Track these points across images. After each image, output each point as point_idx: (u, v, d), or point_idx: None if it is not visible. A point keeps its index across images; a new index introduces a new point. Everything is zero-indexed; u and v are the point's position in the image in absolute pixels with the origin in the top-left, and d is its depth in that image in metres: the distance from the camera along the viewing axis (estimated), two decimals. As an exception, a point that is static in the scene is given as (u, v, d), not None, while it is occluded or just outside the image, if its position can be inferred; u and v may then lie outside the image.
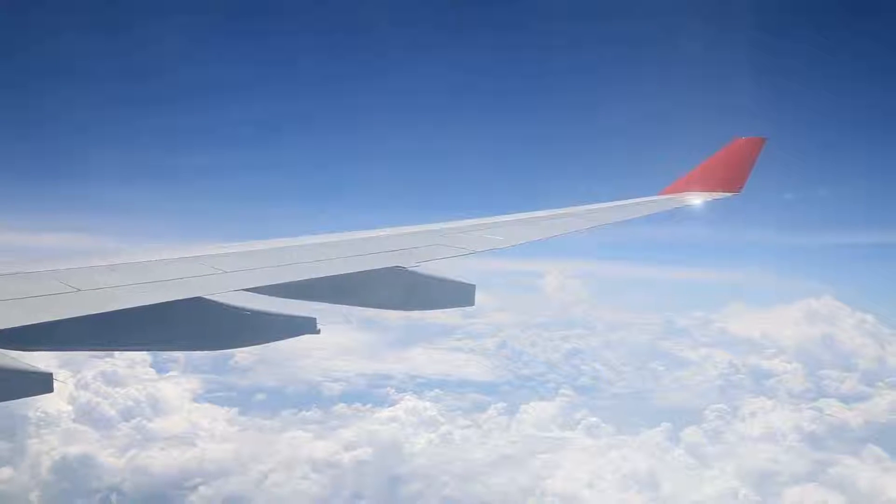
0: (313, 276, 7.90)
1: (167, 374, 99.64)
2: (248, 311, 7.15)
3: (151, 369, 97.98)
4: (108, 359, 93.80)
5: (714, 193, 15.72)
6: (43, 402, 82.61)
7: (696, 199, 15.43)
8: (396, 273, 8.32)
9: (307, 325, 7.38)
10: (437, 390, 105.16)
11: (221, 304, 7.06)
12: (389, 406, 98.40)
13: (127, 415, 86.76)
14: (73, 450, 78.06)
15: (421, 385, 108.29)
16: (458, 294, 8.47)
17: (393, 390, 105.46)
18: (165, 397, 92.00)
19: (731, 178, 15.89)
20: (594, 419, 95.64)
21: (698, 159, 16.52)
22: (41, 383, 5.77)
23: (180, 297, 6.82)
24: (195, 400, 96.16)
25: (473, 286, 8.45)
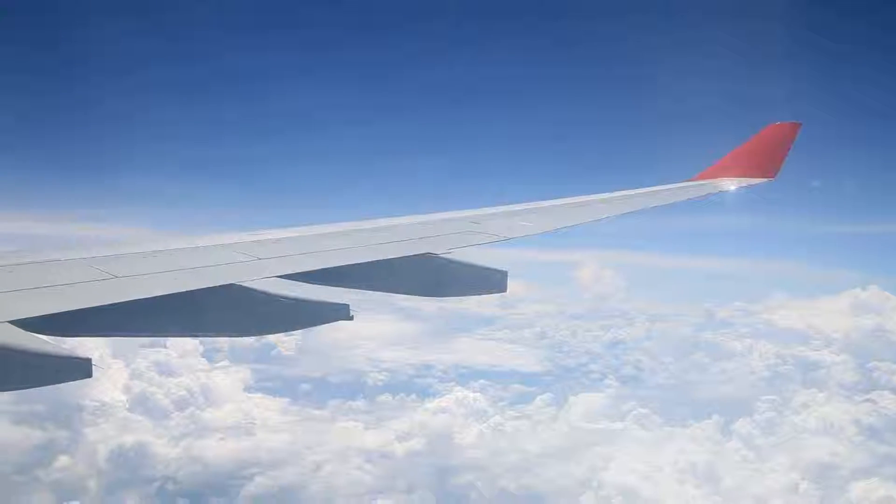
0: (346, 262, 7.97)
1: (218, 364, 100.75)
2: (281, 297, 7.20)
3: (203, 359, 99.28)
4: (160, 348, 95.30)
5: (748, 179, 15.52)
6: (98, 391, 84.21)
7: (731, 185, 15.25)
8: (428, 260, 8.38)
9: (341, 312, 7.37)
10: (481, 381, 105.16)
11: (255, 291, 7.12)
12: (434, 397, 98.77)
13: (180, 404, 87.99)
14: (129, 439, 79.34)
15: (464, 376, 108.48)
16: (490, 280, 8.43)
17: (437, 381, 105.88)
18: (217, 387, 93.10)
19: (766, 164, 15.68)
20: (644, 411, 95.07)
21: (732, 145, 16.38)
22: (81, 368, 5.84)
23: (215, 284, 6.94)
24: (246, 390, 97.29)
25: (505, 272, 8.40)
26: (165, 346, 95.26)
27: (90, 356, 5.78)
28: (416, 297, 8.60)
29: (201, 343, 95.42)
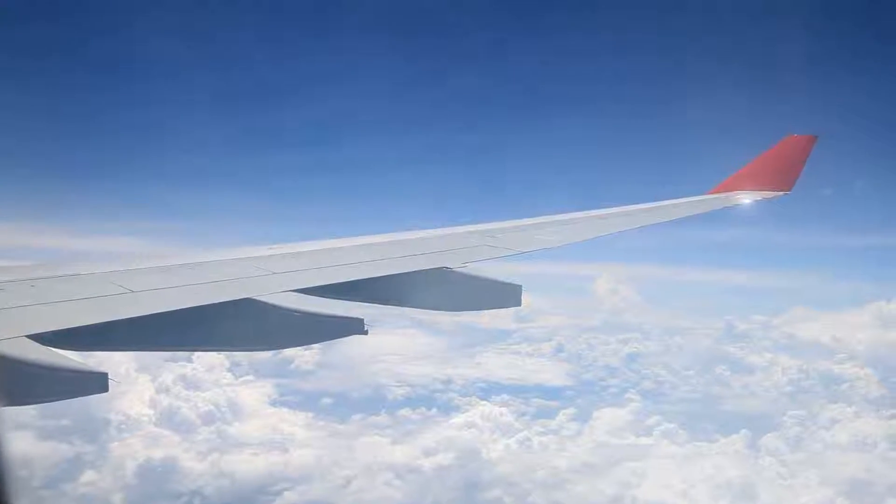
0: (361, 276, 8.04)
1: (243, 379, 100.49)
2: (296, 312, 7.24)
3: (229, 373, 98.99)
4: (185, 363, 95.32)
5: (764, 192, 15.58)
6: (124, 405, 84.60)
7: (746, 198, 15.32)
8: (443, 274, 8.42)
9: (355, 326, 7.38)
10: (503, 395, 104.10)
11: (270, 305, 7.16)
12: (456, 411, 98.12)
13: (207, 419, 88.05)
14: (156, 453, 79.41)
15: (484, 390, 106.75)
16: (505, 294, 8.46)
17: (457, 395, 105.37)
18: (243, 401, 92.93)
19: (782, 177, 15.74)
20: (671, 425, 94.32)
21: (748, 158, 16.41)
22: (96, 383, 5.89)
23: (231, 298, 7.00)
24: (271, 404, 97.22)
25: (520, 286, 8.43)
26: (191, 361, 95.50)
27: (106, 371, 5.85)
28: (432, 311, 8.65)
29: (227, 357, 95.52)
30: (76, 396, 6.05)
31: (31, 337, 5.68)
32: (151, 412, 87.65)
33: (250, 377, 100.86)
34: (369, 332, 7.41)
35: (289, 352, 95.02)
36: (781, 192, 15.73)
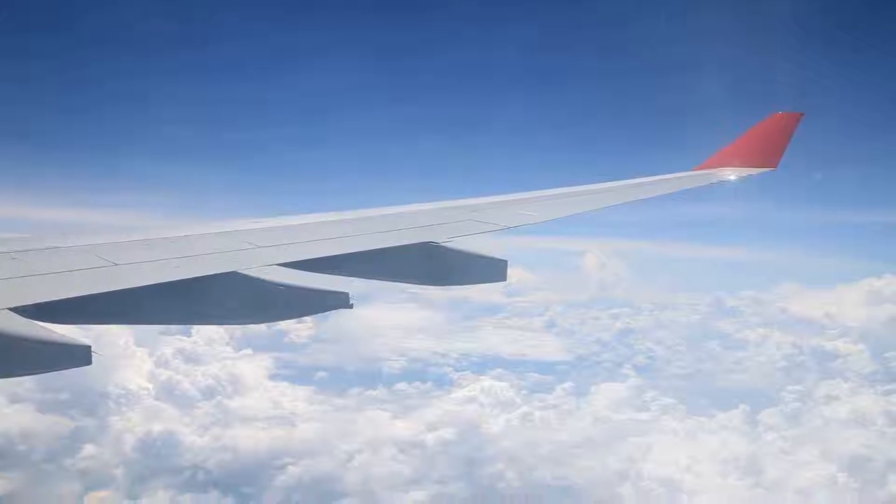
0: (346, 251, 8.05)
1: (242, 352, 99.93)
2: (282, 286, 7.24)
3: (228, 347, 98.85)
4: (183, 336, 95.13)
5: (750, 169, 15.61)
6: (123, 379, 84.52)
7: (732, 175, 15.36)
8: (429, 248, 8.44)
9: (340, 300, 7.39)
10: (498, 370, 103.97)
11: (256, 279, 7.16)
12: (451, 385, 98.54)
13: (207, 393, 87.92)
14: (156, 427, 79.41)
15: (478, 364, 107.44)
16: (491, 270, 8.48)
17: (452, 370, 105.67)
18: (243, 375, 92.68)
19: (768, 154, 15.77)
20: (668, 401, 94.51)
21: (734, 135, 16.43)
22: (80, 355, 5.88)
23: (216, 272, 7.01)
24: (271, 378, 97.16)
25: (505, 261, 8.45)
26: (190, 335, 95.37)
27: (98, 344, 5.84)
28: (417, 285, 8.68)
29: (226, 331, 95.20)
30: (60, 369, 6.04)
31: (13, 309, 5.67)
32: (151, 386, 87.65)
33: (249, 351, 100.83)
34: (356, 305, 7.42)
35: (282, 325, 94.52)
36: (767, 170, 15.76)
